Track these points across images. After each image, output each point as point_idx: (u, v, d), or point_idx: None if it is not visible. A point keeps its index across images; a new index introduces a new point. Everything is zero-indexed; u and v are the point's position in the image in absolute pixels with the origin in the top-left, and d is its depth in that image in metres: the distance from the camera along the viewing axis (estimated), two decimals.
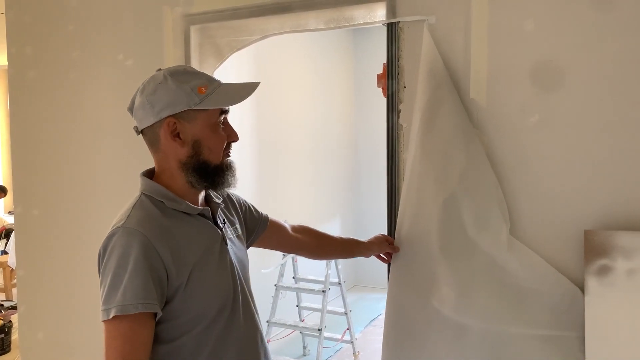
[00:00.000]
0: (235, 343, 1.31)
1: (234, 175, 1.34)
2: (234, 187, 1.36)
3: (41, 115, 2.64)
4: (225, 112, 1.32)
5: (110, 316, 1.15)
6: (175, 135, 1.27)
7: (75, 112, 2.55)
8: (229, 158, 1.34)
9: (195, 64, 2.20)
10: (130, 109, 1.32)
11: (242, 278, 1.38)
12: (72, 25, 2.51)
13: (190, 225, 1.29)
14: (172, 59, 2.26)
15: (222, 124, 1.31)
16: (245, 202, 1.60)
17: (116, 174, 2.46)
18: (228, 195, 1.53)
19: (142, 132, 1.31)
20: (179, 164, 1.29)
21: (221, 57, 2.20)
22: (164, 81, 1.26)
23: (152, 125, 1.28)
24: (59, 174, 2.62)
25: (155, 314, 1.20)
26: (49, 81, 2.60)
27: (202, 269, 1.27)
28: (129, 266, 1.17)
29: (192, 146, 1.27)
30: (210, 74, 1.34)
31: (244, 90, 1.32)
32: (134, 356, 1.16)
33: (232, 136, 1.34)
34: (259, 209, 1.64)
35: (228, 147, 1.34)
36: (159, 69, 1.33)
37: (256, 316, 1.41)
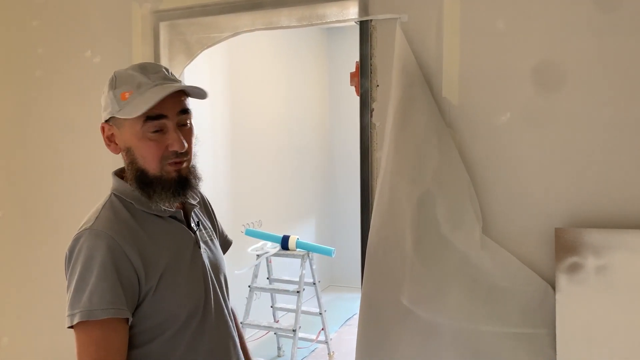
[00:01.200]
0: (206, 349, 1.27)
1: (181, 189, 1.22)
2: (182, 199, 1.25)
3: (5, 114, 2.56)
4: (156, 118, 1.17)
5: (75, 322, 1.11)
6: (112, 141, 1.24)
7: (41, 110, 2.48)
8: (177, 169, 1.22)
9: (164, 61, 2.16)
10: None
11: (215, 282, 1.33)
12: (37, 21, 2.44)
13: (160, 228, 1.25)
14: (141, 56, 2.21)
15: (159, 131, 1.19)
16: (216, 217, 1.53)
17: (84, 174, 2.40)
18: (202, 197, 1.47)
19: None
20: (127, 169, 1.25)
21: (191, 54, 2.17)
22: (107, 86, 1.24)
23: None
24: (24, 174, 2.55)
25: (127, 319, 1.16)
26: (14, 78, 2.52)
27: (172, 273, 1.23)
28: (95, 270, 1.12)
29: (127, 153, 1.22)
30: (165, 72, 1.24)
31: (159, 95, 1.16)
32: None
33: (173, 145, 1.19)
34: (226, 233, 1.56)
35: (173, 156, 1.21)
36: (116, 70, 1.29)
37: (230, 322, 1.37)
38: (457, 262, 1.68)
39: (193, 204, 1.35)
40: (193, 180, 1.26)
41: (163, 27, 2.16)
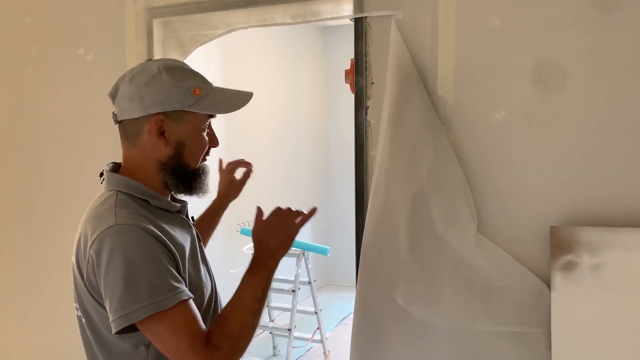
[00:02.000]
0: None
1: (208, 180, 1.29)
2: (208, 193, 1.30)
3: None
4: (213, 116, 1.26)
5: (140, 317, 1.06)
6: (161, 133, 1.20)
7: (33, 108, 2.46)
8: (205, 162, 1.30)
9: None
10: (112, 96, 1.24)
11: (213, 274, 1.37)
12: (29, 18, 2.42)
13: (172, 223, 1.24)
14: (134, 53, 2.19)
15: (207, 128, 1.27)
16: None
17: (77, 172, 2.38)
18: None
19: (120, 122, 1.24)
20: (157, 163, 1.22)
21: (185, 51, 2.15)
22: (158, 75, 1.18)
23: (136, 119, 1.20)
24: (16, 172, 2.53)
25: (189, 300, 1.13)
26: (6, 76, 2.51)
27: (192, 263, 1.24)
28: (142, 263, 1.08)
29: (175, 147, 1.21)
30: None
31: (238, 99, 1.27)
32: (200, 330, 1.10)
33: (214, 141, 1.29)
34: None
35: (207, 152, 1.29)
36: (150, 59, 1.26)
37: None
38: (452, 261, 1.67)
39: (185, 201, 1.36)
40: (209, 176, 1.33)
41: (156, 24, 2.15)
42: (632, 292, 1.51)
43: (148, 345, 1.18)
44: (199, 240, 1.34)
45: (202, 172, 1.28)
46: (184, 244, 1.22)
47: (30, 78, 2.45)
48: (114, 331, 1.08)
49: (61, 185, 2.42)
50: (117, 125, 1.26)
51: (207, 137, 1.27)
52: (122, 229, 1.10)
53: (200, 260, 1.29)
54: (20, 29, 2.44)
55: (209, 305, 1.29)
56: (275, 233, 1.30)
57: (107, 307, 1.10)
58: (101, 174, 1.27)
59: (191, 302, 1.13)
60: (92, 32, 2.29)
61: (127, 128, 1.23)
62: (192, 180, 1.25)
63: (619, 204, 1.57)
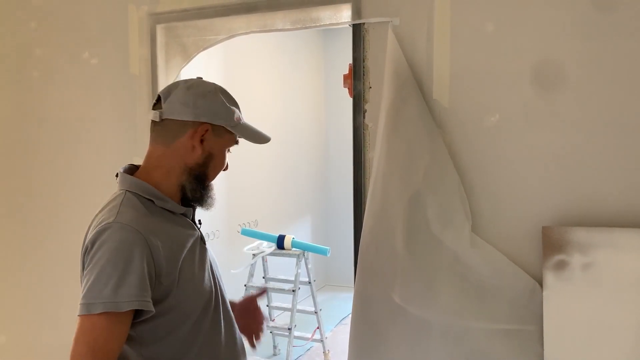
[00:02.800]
0: (221, 340, 1.33)
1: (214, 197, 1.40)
2: (212, 208, 1.40)
3: (3, 115, 2.59)
4: (237, 143, 1.41)
5: (97, 311, 1.12)
6: (201, 141, 1.31)
7: (39, 111, 2.51)
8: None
9: (161, 63, 2.19)
10: (165, 95, 1.32)
11: (217, 277, 1.41)
12: (35, 23, 2.47)
13: (175, 225, 1.30)
14: (137, 58, 2.24)
15: (228, 152, 1.39)
16: None
17: (82, 174, 2.42)
18: None
19: (162, 121, 1.31)
20: (184, 166, 1.31)
21: (187, 56, 2.20)
22: (214, 92, 1.34)
23: (183, 121, 1.29)
24: (21, 175, 2.57)
25: (134, 312, 1.17)
26: (12, 80, 2.55)
27: (189, 267, 1.28)
28: (123, 263, 1.15)
29: (206, 157, 1.32)
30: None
31: (262, 136, 1.44)
32: (107, 352, 1.13)
33: (226, 165, 1.42)
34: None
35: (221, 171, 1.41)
36: (200, 77, 1.39)
37: (231, 314, 1.42)
38: (447, 260, 1.71)
39: (193, 205, 1.41)
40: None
41: (160, 29, 2.19)
42: (622, 291, 1.55)
43: (137, 341, 1.23)
44: (204, 243, 1.39)
45: (212, 188, 1.38)
46: (182, 243, 1.29)
47: (35, 81, 2.49)
48: (77, 314, 1.16)
49: (66, 187, 2.46)
50: (154, 124, 1.33)
51: (226, 158, 1.39)
52: (119, 227, 1.18)
53: (197, 262, 1.32)
54: (26, 34, 2.48)
55: (205, 310, 1.31)
56: None
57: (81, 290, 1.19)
58: (117, 175, 1.35)
59: (130, 314, 1.17)
60: (97, 37, 2.34)
61: (168, 127, 1.31)
62: (205, 190, 1.36)
63: (610, 204, 1.62)
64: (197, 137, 1.30)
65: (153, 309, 1.18)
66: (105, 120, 2.34)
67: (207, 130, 1.31)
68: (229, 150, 1.40)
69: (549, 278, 1.61)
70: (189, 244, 1.31)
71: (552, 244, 1.61)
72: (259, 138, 1.43)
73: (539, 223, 1.67)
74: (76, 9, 2.38)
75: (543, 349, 1.62)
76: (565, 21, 1.63)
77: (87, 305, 1.14)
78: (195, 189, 1.33)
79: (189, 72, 2.40)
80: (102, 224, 1.20)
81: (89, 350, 1.12)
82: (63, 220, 2.47)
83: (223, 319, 1.36)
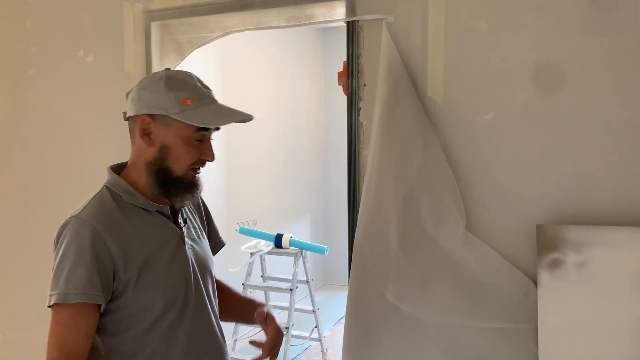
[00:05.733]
0: (182, 342, 1.31)
1: (192, 192, 1.32)
2: (187, 203, 1.36)
3: None
4: (206, 130, 1.30)
5: (51, 303, 1.20)
6: (146, 134, 1.28)
7: (34, 109, 2.50)
8: (195, 175, 1.32)
9: (156, 61, 2.18)
10: (127, 95, 1.35)
11: (200, 279, 1.37)
12: (30, 21, 2.46)
13: (145, 222, 1.30)
14: (132, 56, 2.24)
15: (200, 140, 1.30)
16: (211, 218, 1.58)
17: (77, 172, 2.42)
18: (199, 198, 1.52)
19: (127, 119, 1.34)
20: (145, 162, 1.30)
21: (182, 53, 2.20)
22: (157, 81, 1.29)
23: (132, 117, 1.31)
24: (17, 173, 2.57)
25: (99, 306, 1.21)
26: (7, 78, 2.55)
27: (152, 265, 1.27)
28: (73, 255, 1.20)
29: (159, 150, 1.29)
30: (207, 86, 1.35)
31: (230, 116, 1.31)
32: (71, 345, 1.19)
33: (207, 155, 1.32)
34: (221, 234, 1.60)
35: (199, 163, 1.32)
36: (167, 69, 1.36)
37: (213, 319, 1.39)
38: (441, 259, 1.70)
39: (170, 204, 1.39)
40: (201, 185, 1.36)
41: (154, 27, 2.19)
42: (616, 289, 1.54)
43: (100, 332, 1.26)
44: (183, 243, 1.35)
45: (187, 182, 1.30)
46: (146, 246, 1.27)
47: (30, 79, 2.49)
48: (46, 306, 1.23)
49: (62, 186, 2.46)
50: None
51: (196, 148, 1.30)
52: (78, 222, 1.23)
53: (167, 262, 1.30)
54: (21, 32, 2.48)
55: (171, 307, 1.28)
56: None
57: None
58: None
59: (91, 309, 1.21)
60: (92, 35, 2.33)
61: (130, 126, 1.34)
62: (171, 186, 1.29)
63: (604, 202, 1.61)
64: (140, 131, 1.28)
65: (101, 302, 1.21)
66: (101, 117, 2.33)
67: (148, 122, 1.28)
68: (197, 137, 1.29)
69: (544, 276, 1.60)
70: (158, 243, 1.30)
71: (546, 242, 1.61)
72: (221, 119, 1.30)
73: (534, 221, 1.66)
74: (71, 7, 2.37)
75: (537, 348, 1.61)
76: (560, 19, 1.62)
77: (49, 297, 1.22)
78: (157, 184, 1.29)
79: (184, 69, 2.40)
80: (67, 219, 1.25)
81: (56, 341, 1.20)
82: (59, 217, 2.45)
83: (195, 320, 1.33)
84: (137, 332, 1.27)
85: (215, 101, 1.32)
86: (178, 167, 1.29)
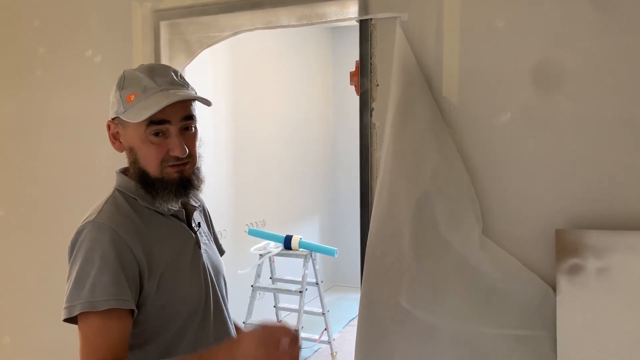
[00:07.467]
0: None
1: (181, 191, 1.23)
2: (184, 199, 1.26)
3: (6, 113, 2.57)
4: (159, 122, 1.18)
5: (75, 313, 1.10)
6: (116, 139, 1.25)
7: (42, 109, 2.49)
8: (177, 172, 1.22)
9: (165, 61, 2.16)
10: None
11: (215, 284, 1.33)
12: (38, 21, 2.45)
13: (163, 226, 1.25)
14: (141, 55, 2.21)
15: (160, 135, 1.20)
16: (213, 224, 1.54)
17: (85, 173, 2.40)
18: (202, 204, 1.48)
19: None
20: (130, 167, 1.27)
21: (191, 53, 2.16)
22: (117, 82, 1.25)
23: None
24: (25, 173, 2.56)
25: (131, 312, 1.14)
26: (15, 78, 2.53)
27: (173, 271, 1.22)
28: (98, 261, 1.12)
29: (129, 153, 1.25)
30: (173, 77, 1.24)
31: (165, 99, 1.17)
32: (105, 350, 1.10)
33: (174, 150, 1.20)
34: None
35: (173, 160, 1.21)
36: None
37: (229, 324, 1.36)
38: (456, 263, 1.66)
39: (195, 206, 1.36)
40: (195, 182, 1.27)
41: (163, 26, 2.16)
42: (639, 296, 1.49)
43: None
44: (199, 247, 1.32)
45: (170, 181, 1.21)
46: (166, 251, 1.22)
47: (38, 79, 2.47)
48: (61, 319, 1.14)
49: (70, 187, 2.44)
50: None
51: (161, 145, 1.20)
52: (96, 227, 1.15)
53: (186, 268, 1.26)
54: (29, 32, 2.46)
55: (194, 313, 1.25)
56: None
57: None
58: None
59: (124, 314, 1.12)
60: (100, 35, 2.31)
61: None
62: (153, 187, 1.22)
63: (625, 206, 1.56)
64: (110, 138, 1.27)
65: (132, 307, 1.14)
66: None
67: (114, 127, 1.25)
68: (156, 134, 1.19)
69: (563, 282, 1.56)
70: (177, 249, 1.25)
71: (565, 247, 1.56)
72: (156, 107, 1.16)
73: (552, 225, 1.61)
74: (79, 7, 2.35)
75: (556, 356, 1.57)
76: (579, 17, 1.57)
77: (68, 308, 1.12)
78: (143, 188, 1.23)
79: (195, 70, 2.37)
80: (82, 223, 1.18)
81: (89, 351, 1.10)
82: (65, 219, 2.44)
83: (215, 325, 1.30)
84: (160, 343, 1.21)
85: (165, 89, 1.19)
86: (150, 167, 1.21)
